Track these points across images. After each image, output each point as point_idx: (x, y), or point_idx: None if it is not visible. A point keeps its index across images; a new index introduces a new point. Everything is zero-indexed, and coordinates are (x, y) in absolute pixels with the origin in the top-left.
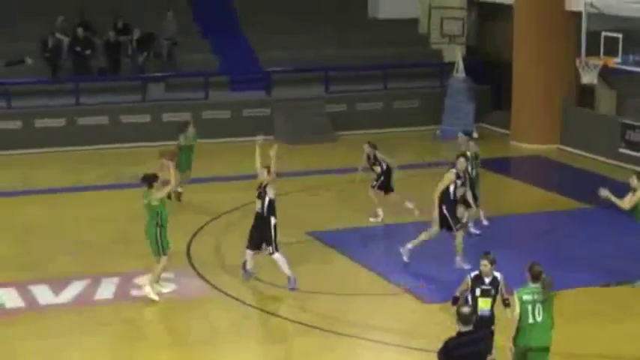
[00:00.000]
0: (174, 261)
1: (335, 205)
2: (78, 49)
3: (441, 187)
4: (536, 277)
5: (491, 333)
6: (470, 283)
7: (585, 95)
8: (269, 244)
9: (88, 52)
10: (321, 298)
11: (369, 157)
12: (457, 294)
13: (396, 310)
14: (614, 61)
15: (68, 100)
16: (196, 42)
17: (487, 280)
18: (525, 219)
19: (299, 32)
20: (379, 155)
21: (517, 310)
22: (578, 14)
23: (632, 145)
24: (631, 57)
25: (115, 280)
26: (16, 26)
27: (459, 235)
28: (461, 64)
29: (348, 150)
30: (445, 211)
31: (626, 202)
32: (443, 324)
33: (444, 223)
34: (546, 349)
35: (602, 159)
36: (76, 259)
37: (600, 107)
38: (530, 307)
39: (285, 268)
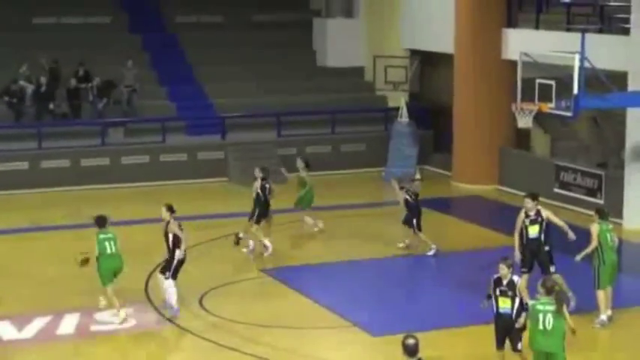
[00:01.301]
0: (134, 296)
1: (287, 243)
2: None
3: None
4: (549, 291)
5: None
6: (492, 284)
7: (521, 138)
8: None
9: (51, 104)
10: (274, 332)
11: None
12: (489, 292)
13: (344, 342)
14: (548, 107)
15: (31, 144)
16: (154, 89)
17: (505, 282)
18: (465, 256)
19: (251, 80)
20: None
21: (523, 318)
22: (514, 62)
23: (565, 186)
24: (563, 102)
25: (77, 315)
26: None
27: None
28: (405, 110)
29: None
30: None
31: (593, 241)
32: (390, 355)
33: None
34: (557, 355)
35: None
36: (39, 296)
37: (536, 150)
38: (541, 316)
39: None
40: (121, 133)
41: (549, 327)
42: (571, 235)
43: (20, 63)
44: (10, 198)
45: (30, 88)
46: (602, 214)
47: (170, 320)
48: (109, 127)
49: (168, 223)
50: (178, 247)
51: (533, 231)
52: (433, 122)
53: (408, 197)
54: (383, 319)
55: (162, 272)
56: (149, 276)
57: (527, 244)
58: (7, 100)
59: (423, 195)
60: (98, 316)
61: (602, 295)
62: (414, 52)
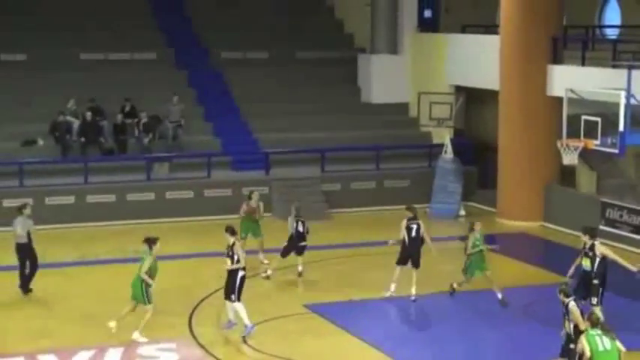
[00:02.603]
0: (177, 332)
1: (332, 279)
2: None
3: None
4: (595, 324)
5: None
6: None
7: (567, 175)
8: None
9: (101, 138)
10: None
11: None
12: None
13: None
14: (594, 143)
15: (77, 179)
16: (199, 125)
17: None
18: (512, 292)
19: (296, 115)
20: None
21: (587, 351)
22: (560, 99)
23: (611, 223)
24: (609, 139)
25: (120, 350)
26: (31, 108)
27: None
28: (449, 146)
29: (341, 227)
30: None
31: None
32: None
33: None
34: None
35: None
36: (84, 330)
37: (581, 186)
38: (597, 339)
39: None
40: (166, 168)
41: (608, 347)
42: (630, 267)
43: (68, 99)
44: (56, 232)
45: (76, 123)
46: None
47: (214, 356)
48: (155, 162)
49: (233, 245)
50: (242, 268)
51: (585, 263)
52: (478, 158)
53: None
54: (429, 357)
55: (228, 297)
56: (193, 311)
57: (579, 274)
58: (55, 135)
59: (468, 231)
60: (142, 350)
61: None
62: (459, 88)
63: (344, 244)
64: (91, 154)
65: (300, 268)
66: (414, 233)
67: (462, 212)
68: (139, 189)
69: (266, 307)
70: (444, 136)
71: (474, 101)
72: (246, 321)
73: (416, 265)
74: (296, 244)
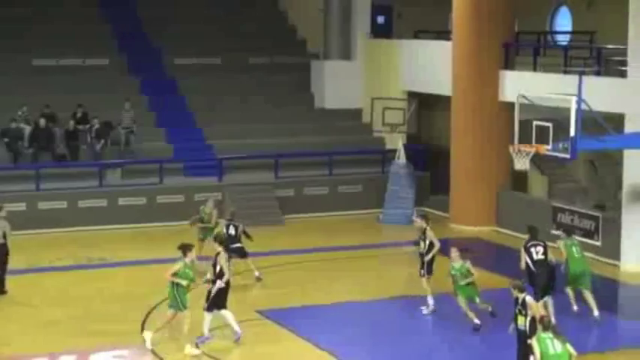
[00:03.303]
0: (130, 339)
1: (285, 285)
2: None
3: None
4: (546, 327)
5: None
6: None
7: (519, 180)
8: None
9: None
10: None
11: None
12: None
13: None
14: (545, 148)
15: (28, 185)
16: (152, 131)
17: (520, 301)
18: None
19: (249, 121)
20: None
21: (537, 353)
22: (511, 105)
23: (562, 227)
24: (561, 144)
25: (73, 357)
26: None
27: None
28: (402, 151)
29: (294, 232)
30: None
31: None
32: None
33: None
34: None
35: None
36: (38, 337)
37: (533, 191)
38: (549, 342)
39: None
40: (118, 174)
41: (559, 350)
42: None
43: (20, 105)
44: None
45: (27, 130)
46: (568, 232)
47: None
48: (107, 169)
49: (218, 254)
50: (220, 278)
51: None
52: (430, 164)
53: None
54: None
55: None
56: (146, 317)
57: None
58: (6, 142)
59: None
60: (95, 358)
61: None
62: (412, 94)
63: (297, 249)
64: (42, 161)
65: (257, 273)
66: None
67: (415, 217)
68: (91, 195)
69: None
70: (396, 142)
71: (426, 107)
72: (205, 330)
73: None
74: (229, 248)
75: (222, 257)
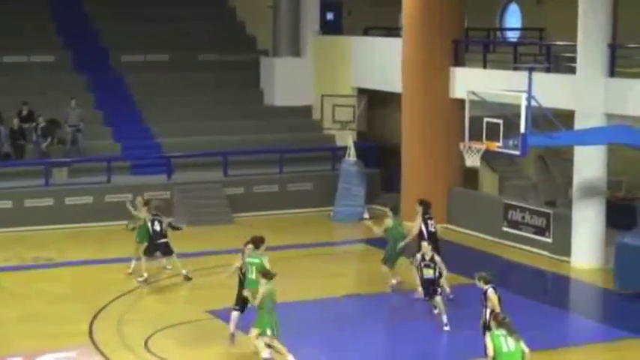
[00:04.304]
0: (78, 340)
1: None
2: None
3: None
4: (500, 324)
5: None
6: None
7: (470, 178)
8: None
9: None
10: None
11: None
12: None
13: None
14: (496, 145)
15: None
16: (99, 129)
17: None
18: (410, 294)
19: (198, 119)
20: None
21: (490, 351)
22: (462, 101)
23: (513, 224)
24: (511, 141)
25: (19, 359)
26: None
27: None
28: (352, 149)
29: (244, 230)
30: None
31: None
32: None
33: None
34: None
35: (486, 237)
36: None
37: (484, 188)
38: (502, 339)
39: None
40: (65, 173)
41: (512, 348)
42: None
43: None
44: None
45: None
46: (394, 211)
47: None
48: (53, 168)
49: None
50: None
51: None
52: (381, 161)
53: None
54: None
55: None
56: (94, 318)
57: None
58: None
59: (372, 234)
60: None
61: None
62: (362, 91)
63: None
64: None
65: (184, 272)
66: None
67: (366, 215)
68: (37, 194)
69: (167, 313)
70: (347, 139)
71: (377, 104)
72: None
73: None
74: (155, 243)
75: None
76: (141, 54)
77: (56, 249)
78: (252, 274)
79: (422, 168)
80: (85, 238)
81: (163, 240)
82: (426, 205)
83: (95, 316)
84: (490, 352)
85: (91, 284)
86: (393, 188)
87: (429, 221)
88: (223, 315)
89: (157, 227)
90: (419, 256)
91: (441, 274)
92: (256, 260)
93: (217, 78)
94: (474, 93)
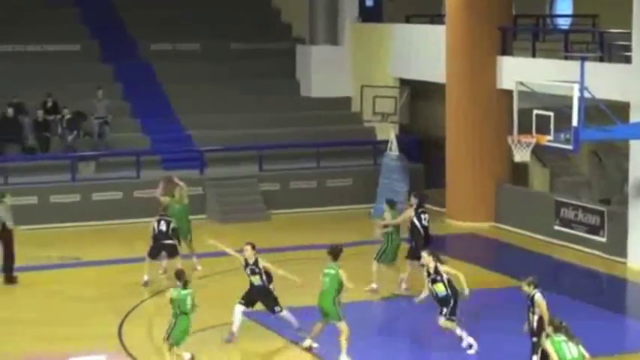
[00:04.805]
0: (107, 343)
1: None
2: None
3: None
4: (557, 328)
5: None
6: None
7: (519, 173)
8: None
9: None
10: None
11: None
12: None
13: None
14: (547, 139)
15: None
16: (127, 121)
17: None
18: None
19: (231, 111)
20: None
21: (554, 357)
22: (510, 92)
23: (565, 223)
24: (563, 135)
25: None
26: None
27: None
28: (394, 142)
29: (280, 228)
30: None
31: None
32: None
33: None
34: None
35: (536, 236)
36: (5, 342)
37: (534, 185)
38: (564, 345)
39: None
40: (92, 167)
41: (575, 354)
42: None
43: None
44: None
45: None
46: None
47: None
48: (80, 162)
49: (256, 260)
50: (271, 281)
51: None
52: (424, 156)
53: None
54: None
55: (274, 310)
56: (123, 320)
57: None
58: None
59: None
60: None
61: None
62: (404, 82)
63: (283, 247)
64: (10, 154)
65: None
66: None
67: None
68: (63, 190)
69: (198, 315)
70: (388, 132)
71: (420, 95)
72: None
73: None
74: (160, 244)
75: (263, 260)
76: (170, 42)
77: (83, 247)
78: (325, 286)
79: (468, 163)
80: (112, 235)
81: (169, 241)
82: (421, 198)
83: (124, 318)
84: (555, 358)
85: (119, 284)
86: (437, 184)
87: (423, 215)
88: (257, 317)
89: (163, 227)
90: (425, 273)
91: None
92: (332, 271)
93: (251, 68)
94: (522, 84)
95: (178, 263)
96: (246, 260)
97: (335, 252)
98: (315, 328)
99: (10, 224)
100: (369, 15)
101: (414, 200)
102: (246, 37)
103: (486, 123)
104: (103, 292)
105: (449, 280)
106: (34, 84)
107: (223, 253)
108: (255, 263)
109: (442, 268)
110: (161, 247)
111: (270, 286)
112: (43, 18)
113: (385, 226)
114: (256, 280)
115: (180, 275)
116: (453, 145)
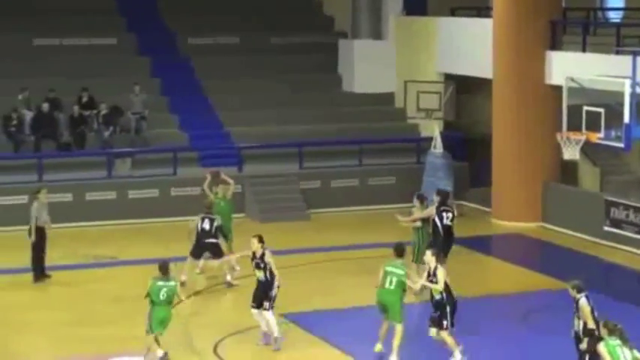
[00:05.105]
0: (143, 344)
1: (310, 285)
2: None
3: None
4: (611, 331)
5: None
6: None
7: (568, 171)
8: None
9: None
10: None
11: None
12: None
13: None
14: (597, 137)
15: (30, 176)
16: (164, 117)
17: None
18: (506, 300)
19: (271, 107)
20: None
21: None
22: (559, 88)
23: (615, 223)
24: (614, 132)
25: None
26: None
27: None
28: (439, 140)
29: (321, 228)
30: None
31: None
32: None
33: None
34: None
35: (585, 237)
36: (40, 343)
37: (583, 184)
38: (619, 350)
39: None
40: (128, 164)
41: (629, 358)
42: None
43: (20, 89)
44: (6, 235)
45: (29, 116)
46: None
47: None
48: (116, 158)
49: (263, 254)
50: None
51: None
52: (470, 153)
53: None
54: None
55: (259, 306)
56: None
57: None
58: (6, 129)
59: (460, 233)
60: None
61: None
62: (449, 77)
63: (324, 247)
64: (45, 149)
65: (228, 278)
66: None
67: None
68: (98, 187)
69: (236, 317)
70: (432, 129)
71: (465, 91)
72: (276, 332)
73: None
74: (203, 243)
75: (269, 255)
76: (210, 36)
77: (118, 246)
78: (392, 285)
79: (515, 161)
80: (149, 234)
81: (212, 240)
82: (443, 196)
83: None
84: None
85: None
86: (483, 183)
87: (444, 214)
88: (299, 319)
89: (207, 226)
90: (425, 272)
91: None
92: (399, 270)
93: (292, 62)
94: (572, 79)
95: (217, 263)
96: (253, 253)
97: (400, 250)
98: (381, 330)
99: (42, 221)
100: (413, 8)
101: (436, 198)
102: (287, 30)
103: (534, 119)
104: (138, 292)
105: (446, 285)
106: (69, 78)
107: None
108: (262, 257)
109: (438, 270)
110: (204, 246)
111: (275, 283)
112: (79, 11)
113: (413, 221)
114: (260, 275)
115: (161, 267)
116: (499, 143)
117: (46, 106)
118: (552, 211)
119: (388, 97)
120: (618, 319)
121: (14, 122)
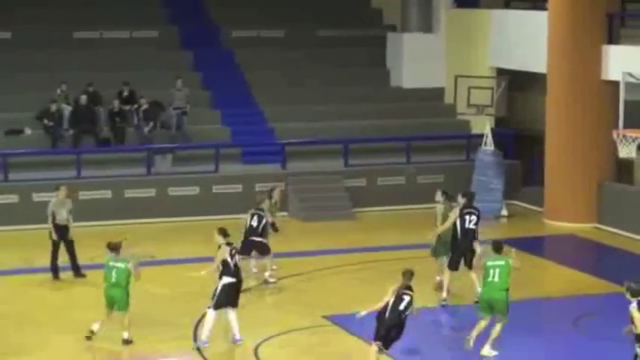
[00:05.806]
0: (182, 346)
1: (355, 286)
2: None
3: None
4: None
5: None
6: None
7: (624, 170)
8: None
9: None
10: None
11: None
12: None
13: None
14: None
15: (69, 172)
16: (206, 112)
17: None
18: (560, 303)
19: (316, 102)
20: None
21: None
22: (616, 84)
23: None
24: None
25: None
26: (17, 94)
27: None
28: (490, 137)
29: (367, 228)
30: None
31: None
32: None
33: None
34: None
35: None
36: (72, 344)
37: None
38: None
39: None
40: (169, 160)
41: None
42: None
43: (59, 82)
44: (44, 233)
45: (67, 110)
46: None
47: None
48: (156, 155)
49: (219, 247)
50: (225, 274)
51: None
52: (522, 151)
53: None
54: None
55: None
56: (199, 322)
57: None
58: (45, 124)
59: (511, 234)
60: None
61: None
62: (501, 72)
63: (370, 247)
64: (84, 145)
65: (266, 274)
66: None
67: (505, 212)
68: (138, 184)
69: (280, 318)
70: (484, 126)
71: (518, 86)
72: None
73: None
74: (250, 241)
75: (223, 250)
76: (254, 29)
77: (158, 244)
78: (496, 277)
79: (569, 159)
80: (189, 232)
81: (258, 238)
82: (469, 198)
83: (200, 319)
84: None
85: (196, 284)
86: (536, 181)
87: (467, 217)
88: (343, 321)
89: (254, 223)
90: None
91: None
92: (502, 262)
93: (338, 56)
94: (630, 74)
95: (267, 262)
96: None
97: (498, 246)
98: (477, 327)
99: (60, 219)
100: (465, 0)
101: (461, 200)
102: (333, 23)
103: (589, 116)
104: (178, 291)
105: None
106: (110, 72)
107: (299, 254)
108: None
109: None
110: (251, 244)
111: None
112: (120, 2)
113: (440, 232)
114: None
115: (109, 244)
116: (552, 140)
117: (84, 99)
118: (607, 212)
119: (438, 93)
120: None
121: (53, 117)
